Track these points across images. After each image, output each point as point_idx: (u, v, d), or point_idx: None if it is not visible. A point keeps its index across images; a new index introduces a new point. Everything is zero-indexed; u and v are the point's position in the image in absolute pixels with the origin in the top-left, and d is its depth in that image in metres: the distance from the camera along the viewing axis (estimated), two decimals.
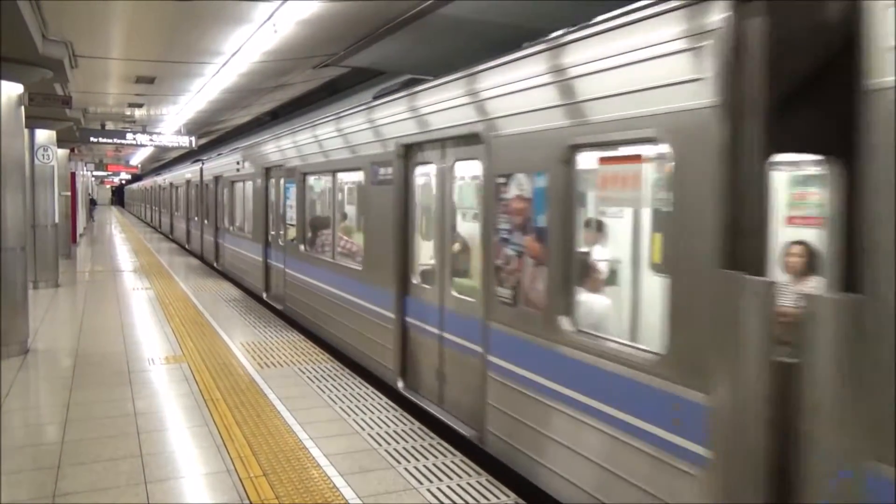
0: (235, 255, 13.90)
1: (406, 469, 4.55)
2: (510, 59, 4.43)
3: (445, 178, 5.43)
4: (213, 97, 12.55)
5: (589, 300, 4.36)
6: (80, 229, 24.15)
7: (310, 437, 5.09)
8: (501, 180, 4.47)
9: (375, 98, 6.78)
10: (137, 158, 34.05)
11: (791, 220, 5.05)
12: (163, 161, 38.48)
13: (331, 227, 8.47)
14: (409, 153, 5.95)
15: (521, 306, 4.28)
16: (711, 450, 2.92)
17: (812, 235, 4.65)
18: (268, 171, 11.08)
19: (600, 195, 4.00)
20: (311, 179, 9.33)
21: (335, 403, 5.90)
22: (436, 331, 5.59)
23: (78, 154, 23.55)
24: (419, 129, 5.67)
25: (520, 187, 4.30)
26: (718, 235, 2.87)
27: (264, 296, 11.26)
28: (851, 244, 2.69)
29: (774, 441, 2.65)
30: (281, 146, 10.13)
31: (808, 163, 4.24)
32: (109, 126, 17.10)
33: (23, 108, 8.06)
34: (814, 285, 4.32)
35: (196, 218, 19.47)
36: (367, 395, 6.19)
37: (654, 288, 4.41)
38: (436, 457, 4.78)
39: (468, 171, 5.41)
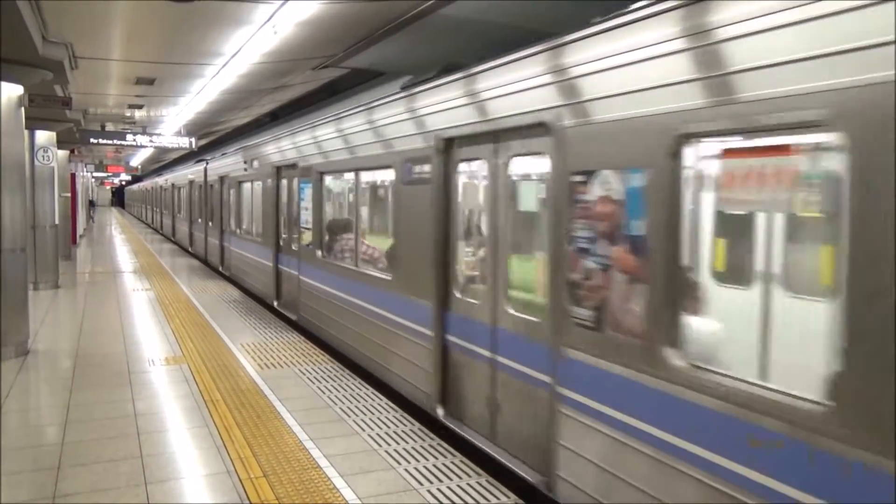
0: (243, 260, 13.22)
1: (406, 470, 4.56)
2: (604, 28, 3.60)
3: (498, 175, 4.68)
4: (212, 98, 12.55)
5: (693, 324, 3.48)
6: (80, 230, 24.16)
7: (310, 437, 5.10)
8: (579, 178, 3.74)
9: (403, 89, 6.18)
10: (138, 159, 34.06)
11: None
12: (163, 162, 38.43)
13: (353, 232, 7.74)
14: (451, 148, 5.22)
15: (608, 331, 3.53)
16: None
17: None
18: (279, 171, 10.39)
19: (724, 196, 3.30)
20: (330, 179, 8.67)
21: (335, 404, 5.90)
22: (486, 353, 4.82)
23: (78, 155, 23.57)
24: (465, 121, 4.94)
25: (606, 187, 3.54)
26: None
27: (275, 304, 10.58)
28: None
29: None
30: (295, 143, 9.41)
31: None
32: (109, 127, 17.10)
33: (23, 109, 8.06)
34: None
35: (199, 220, 18.72)
36: (368, 395, 6.19)
37: (796, 312, 3.90)
38: (436, 458, 4.78)
39: (529, 167, 4.71)
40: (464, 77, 5.04)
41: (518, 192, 4.80)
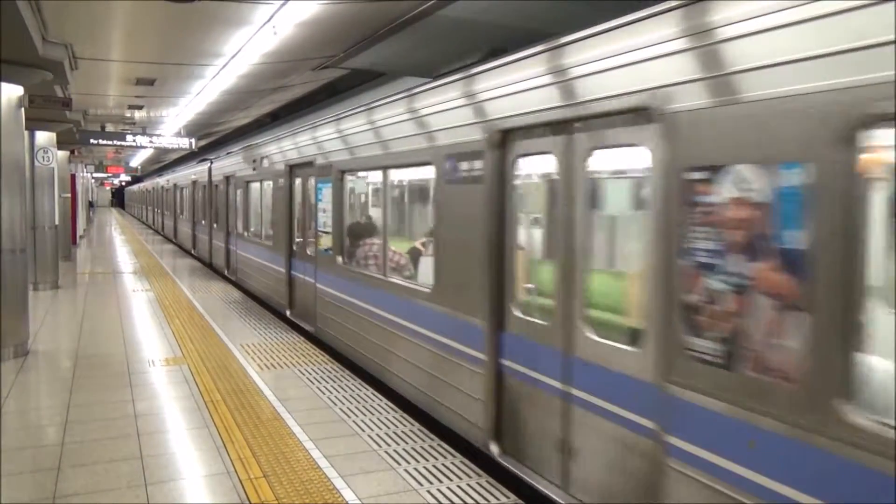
0: (251, 265, 12.40)
1: (406, 470, 4.55)
2: None
3: (573, 173, 3.91)
4: (212, 99, 12.56)
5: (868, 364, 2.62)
6: (79, 231, 24.16)
7: (310, 438, 5.10)
8: (698, 176, 2.99)
9: (443, 75, 5.49)
10: (137, 160, 34.07)
11: None
12: (163, 163, 38.46)
13: (380, 237, 7.00)
14: (510, 141, 4.46)
15: (745, 370, 2.78)
16: None
17: None
18: (292, 170, 9.64)
19: None
20: (352, 178, 7.92)
21: (335, 405, 5.90)
22: (557, 385, 4.06)
23: (78, 156, 23.57)
24: (527, 108, 4.19)
25: (742, 186, 2.81)
26: None
27: (288, 313, 9.83)
28: None
29: None
30: (312, 139, 8.61)
31: None
32: (109, 128, 17.12)
33: (23, 109, 8.07)
34: None
35: (203, 222, 17.90)
36: (367, 396, 6.19)
37: None
38: (436, 458, 4.78)
39: (616, 162, 3.99)
40: (529, 56, 4.24)
41: (601, 192, 4.00)
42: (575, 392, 3.94)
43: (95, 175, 39.06)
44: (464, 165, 4.92)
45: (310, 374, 6.90)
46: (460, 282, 5.02)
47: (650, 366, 3.28)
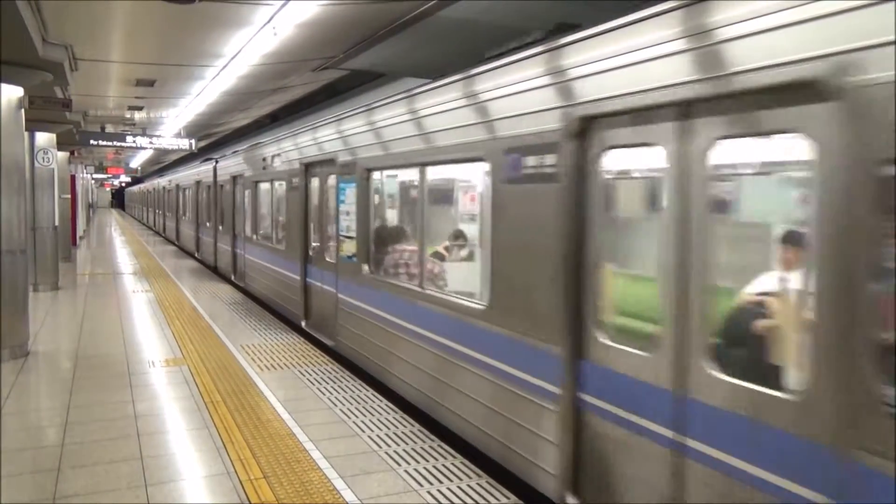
0: (261, 271, 11.58)
1: (406, 471, 4.55)
2: None
3: (691, 167, 3.11)
4: (212, 100, 12.57)
5: None
6: (79, 232, 24.16)
7: (310, 439, 5.09)
8: None
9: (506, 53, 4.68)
10: (138, 161, 34.10)
11: None
12: (163, 163, 38.44)
13: (413, 243, 6.36)
14: (595, 130, 3.68)
15: None
16: None
17: None
18: (308, 168, 8.87)
19: None
20: (380, 177, 7.14)
21: (335, 406, 5.90)
22: (664, 432, 3.27)
23: (78, 157, 23.58)
24: (627, 89, 3.39)
25: None
26: None
27: (303, 324, 9.02)
28: None
29: None
30: (333, 134, 7.81)
31: None
32: (109, 129, 17.13)
33: (23, 110, 8.07)
34: None
35: (208, 224, 17.16)
36: (368, 397, 6.19)
37: None
38: (436, 459, 4.78)
39: (753, 154, 3.26)
40: (632, 23, 3.45)
41: (732, 192, 3.32)
42: (693, 444, 3.11)
43: (95, 176, 39.06)
44: (529, 161, 4.14)
45: (310, 374, 6.89)
46: (525, 299, 4.24)
47: (821, 422, 2.51)
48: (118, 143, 15.91)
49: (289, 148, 9.67)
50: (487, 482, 4.41)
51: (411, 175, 6.44)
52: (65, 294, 12.46)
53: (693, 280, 3.12)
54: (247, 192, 12.63)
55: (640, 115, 3.40)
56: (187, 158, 27.25)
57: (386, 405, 5.95)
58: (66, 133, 14.04)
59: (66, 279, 13.86)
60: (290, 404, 5.92)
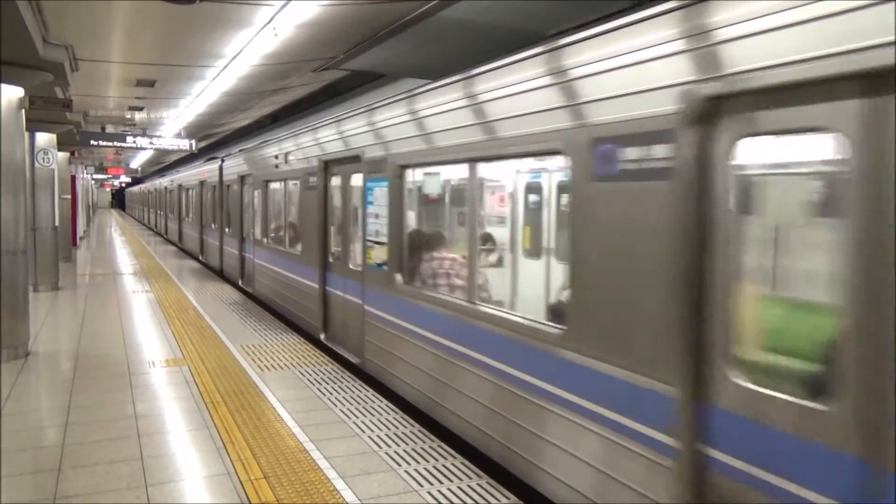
0: (272, 276, 10.81)
1: (407, 472, 4.55)
2: None
3: (887, 159, 2.35)
4: (213, 100, 12.58)
5: None
6: (80, 232, 24.17)
7: (310, 439, 5.09)
8: None
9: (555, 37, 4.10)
10: (138, 161, 34.13)
11: None
12: (164, 164, 38.44)
13: (459, 250, 5.95)
14: (729, 114, 2.90)
15: None
16: None
17: None
18: (329, 167, 8.17)
19: None
20: (417, 175, 6.40)
21: (335, 406, 5.90)
22: None
23: (78, 157, 23.59)
24: (778, 59, 2.66)
25: None
26: None
27: (322, 337, 8.28)
28: None
29: None
30: (360, 128, 6.99)
31: None
32: (110, 129, 17.14)
33: (23, 111, 8.07)
34: None
35: (213, 226, 16.47)
36: (368, 397, 6.19)
37: None
38: (436, 459, 4.78)
39: None
40: None
41: None
42: None
43: (95, 176, 39.06)
44: (629, 153, 3.40)
45: (310, 375, 6.90)
46: (622, 324, 3.45)
47: None
48: (118, 144, 15.94)
49: (306, 144, 8.94)
50: (488, 482, 4.41)
51: (455, 172, 6.08)
52: (65, 294, 12.46)
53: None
54: (256, 193, 11.94)
55: (805, 92, 2.59)
56: (190, 158, 26.73)
57: (386, 405, 5.95)
58: (67, 133, 14.05)
59: (67, 279, 13.86)
60: (290, 405, 5.92)
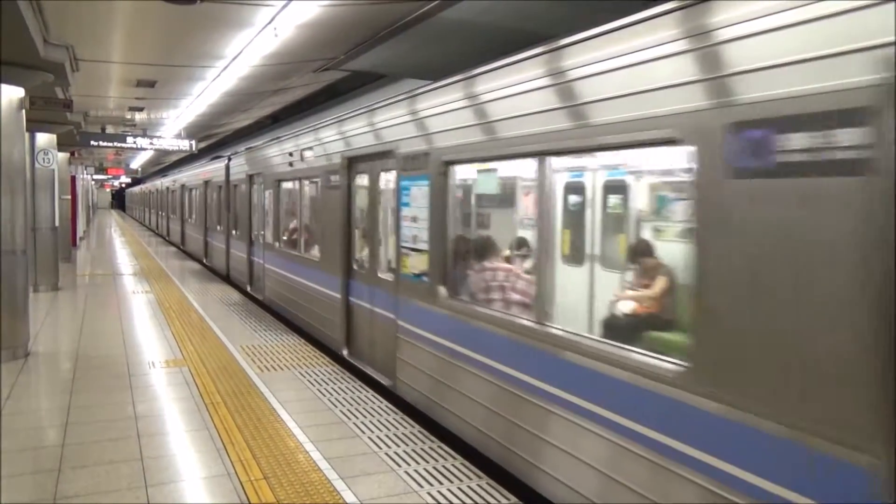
0: (286, 284, 10.03)
1: (406, 472, 4.55)
2: None
3: None
4: (213, 101, 12.57)
5: None
6: (80, 233, 24.17)
7: (310, 440, 5.09)
8: None
9: None
10: (138, 162, 34.13)
11: None
12: (164, 164, 38.39)
13: (516, 259, 5.39)
14: None
15: None
16: None
17: None
18: (353, 164, 7.45)
19: None
20: (466, 171, 5.65)
21: (335, 407, 5.90)
22: None
23: (78, 157, 23.59)
24: None
25: None
26: None
27: (344, 353, 7.55)
28: None
29: None
30: (393, 120, 6.24)
31: None
32: (110, 129, 17.15)
33: (23, 111, 8.08)
34: None
35: (219, 227, 15.74)
36: (368, 398, 6.18)
37: None
38: (436, 460, 4.77)
39: None
40: None
41: None
42: None
43: (95, 177, 39.04)
44: (793, 140, 2.62)
45: (310, 375, 6.89)
46: (787, 367, 2.65)
47: None
48: (119, 144, 15.96)
49: (327, 139, 8.14)
50: (488, 483, 4.41)
51: (514, 168, 5.53)
52: (65, 295, 12.46)
53: None
54: (267, 193, 11.17)
55: None
56: (193, 157, 26.41)
57: (387, 406, 5.95)
58: (67, 134, 14.06)
59: (66, 280, 13.86)
60: (290, 405, 5.91)
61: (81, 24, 7.35)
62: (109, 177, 44.99)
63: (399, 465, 4.66)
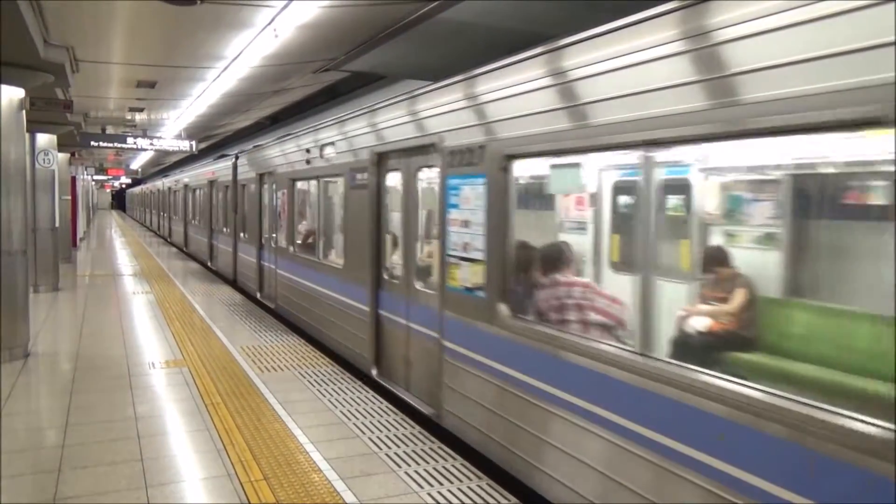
0: (303, 293, 9.19)
1: (407, 473, 4.55)
2: None
3: None
4: (213, 101, 12.58)
5: None
6: (80, 233, 24.17)
7: (310, 440, 5.09)
8: None
9: None
10: (138, 162, 34.14)
11: None
12: (164, 164, 38.37)
13: (598, 273, 4.85)
14: None
15: None
16: None
17: None
18: (384, 160, 6.64)
19: None
20: (531, 167, 4.83)
21: (335, 407, 5.90)
22: None
23: (78, 158, 23.59)
24: None
25: None
26: None
27: (373, 373, 6.75)
28: None
29: None
30: (437, 108, 5.41)
31: None
32: (110, 130, 17.16)
33: (24, 112, 8.08)
34: None
35: (226, 230, 14.98)
36: (368, 398, 6.18)
37: None
38: (436, 461, 4.78)
39: None
40: None
41: None
42: None
43: (96, 177, 39.04)
44: None
45: (310, 376, 6.89)
46: None
47: None
48: (119, 145, 15.98)
49: (353, 132, 7.32)
50: (488, 484, 4.41)
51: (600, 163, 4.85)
52: (65, 295, 12.46)
53: None
54: (280, 193, 10.42)
55: None
56: (197, 156, 25.96)
57: (387, 407, 5.95)
58: (67, 134, 14.07)
59: (67, 280, 13.86)
60: (290, 406, 5.91)
61: (82, 25, 7.35)
62: (110, 177, 44.99)
63: (399, 466, 4.66)
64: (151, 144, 16.23)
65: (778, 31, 2.66)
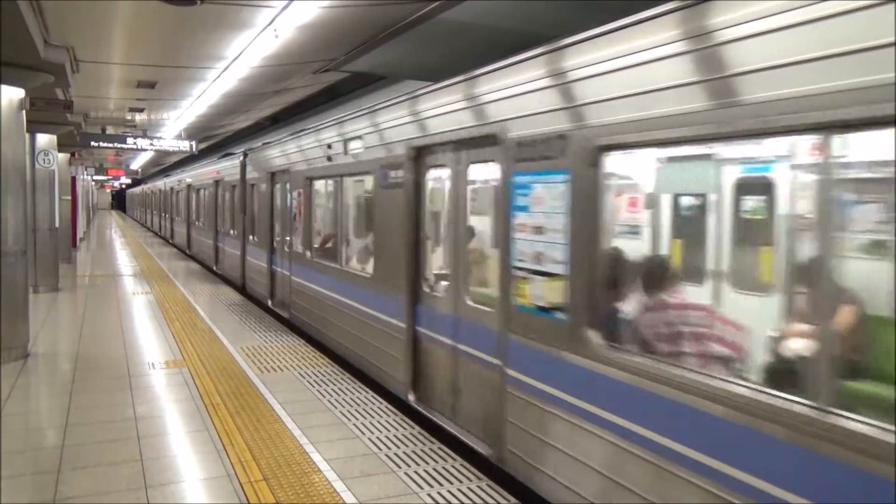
0: (324, 304, 8.30)
1: (406, 473, 4.55)
2: None
3: None
4: (213, 102, 12.59)
5: None
6: (80, 234, 24.17)
7: (310, 441, 5.09)
8: None
9: None
10: (138, 163, 34.15)
11: None
12: (164, 165, 38.35)
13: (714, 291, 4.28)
14: None
15: None
16: None
17: None
18: (423, 155, 5.82)
19: None
20: (630, 162, 4.35)
21: (335, 408, 5.90)
22: None
23: (78, 158, 23.59)
24: None
25: None
26: None
27: (410, 398, 5.96)
28: None
29: None
30: (496, 92, 4.61)
31: None
32: (110, 130, 17.17)
33: (24, 112, 8.08)
34: None
35: (233, 232, 14.10)
36: (368, 399, 6.18)
37: None
38: (436, 461, 4.77)
39: None
40: None
41: None
42: None
43: (96, 178, 39.04)
44: None
45: (310, 376, 6.89)
46: None
47: None
48: (119, 145, 15.98)
49: (384, 125, 6.49)
50: (488, 485, 4.41)
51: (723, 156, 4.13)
52: (65, 295, 12.46)
53: None
54: (295, 193, 9.59)
55: None
56: (199, 155, 25.00)
57: (386, 407, 5.94)
58: (67, 135, 14.08)
59: (66, 281, 13.86)
60: (290, 406, 5.91)
61: (82, 25, 7.35)
62: (109, 178, 44.99)
63: (399, 467, 4.66)
64: (151, 145, 16.23)
65: None
